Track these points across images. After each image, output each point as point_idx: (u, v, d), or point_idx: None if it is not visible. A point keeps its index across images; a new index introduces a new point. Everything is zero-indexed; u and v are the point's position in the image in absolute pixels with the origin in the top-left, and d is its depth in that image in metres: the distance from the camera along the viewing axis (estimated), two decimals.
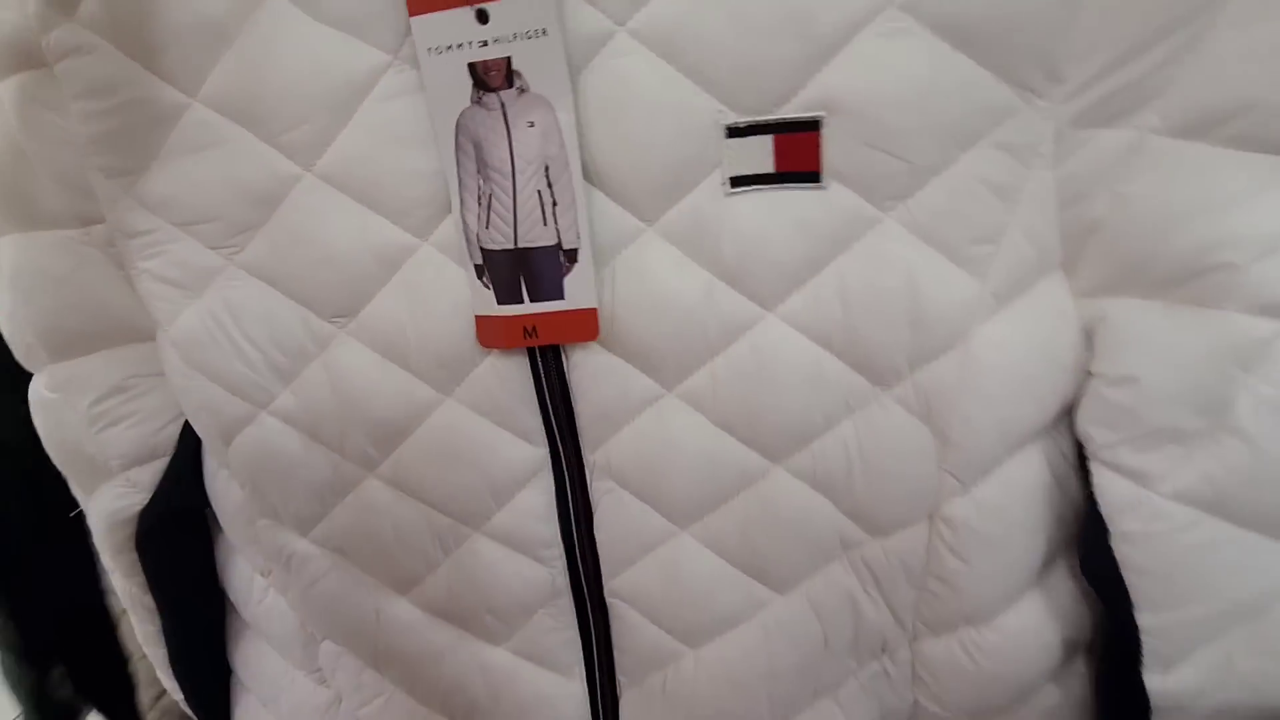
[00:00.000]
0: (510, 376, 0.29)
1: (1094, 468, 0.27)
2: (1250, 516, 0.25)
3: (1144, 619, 0.26)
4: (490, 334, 0.28)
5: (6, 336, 0.34)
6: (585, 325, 0.27)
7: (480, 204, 0.27)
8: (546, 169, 0.26)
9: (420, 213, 0.27)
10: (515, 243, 0.27)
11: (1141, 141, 0.24)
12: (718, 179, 0.26)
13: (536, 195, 0.26)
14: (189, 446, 0.35)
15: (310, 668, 0.37)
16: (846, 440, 0.28)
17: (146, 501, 0.35)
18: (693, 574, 0.31)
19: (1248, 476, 0.24)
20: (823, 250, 0.26)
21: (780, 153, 0.25)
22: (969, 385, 0.27)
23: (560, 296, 0.27)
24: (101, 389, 0.34)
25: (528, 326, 0.27)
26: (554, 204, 0.26)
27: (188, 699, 0.41)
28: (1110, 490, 0.26)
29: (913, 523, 0.29)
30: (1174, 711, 0.27)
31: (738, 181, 0.26)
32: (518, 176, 0.26)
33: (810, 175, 0.25)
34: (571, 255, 0.27)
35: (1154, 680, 0.27)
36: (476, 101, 0.25)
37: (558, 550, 0.32)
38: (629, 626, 0.32)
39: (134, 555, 0.36)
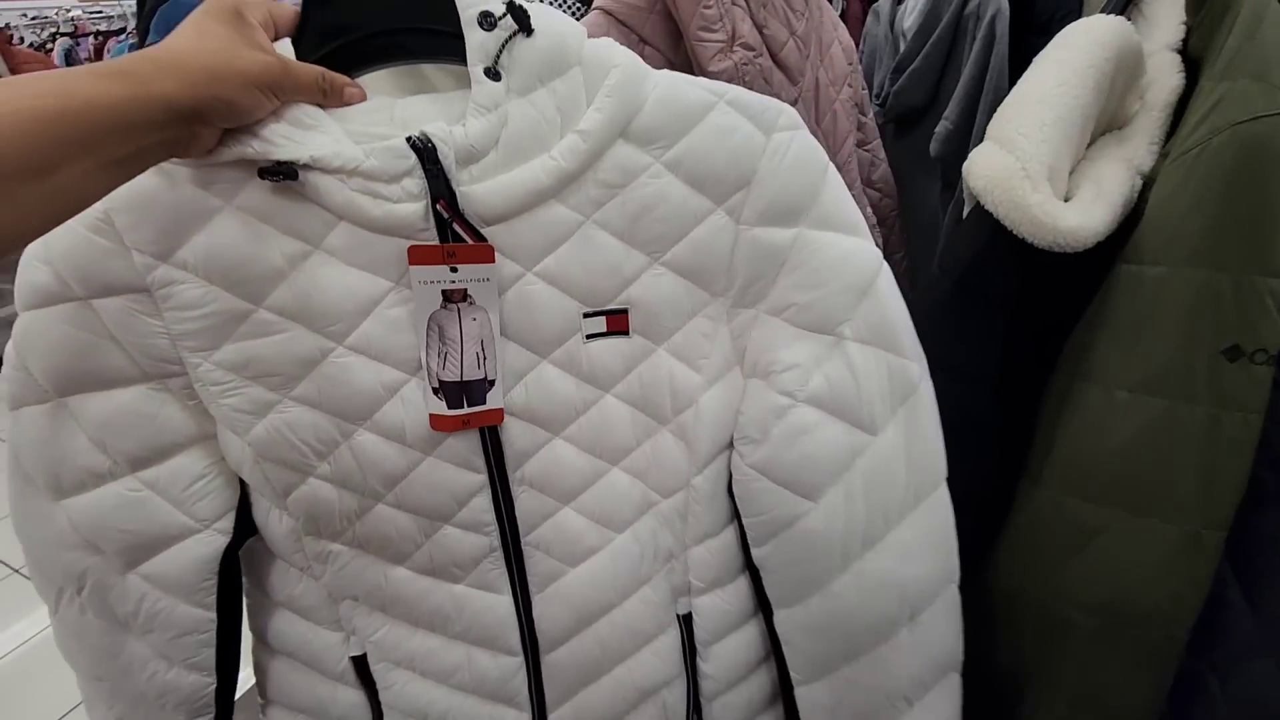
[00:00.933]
0: (470, 439, 0.52)
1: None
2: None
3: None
4: (441, 423, 0.50)
5: (91, 465, 0.49)
6: (497, 416, 0.51)
7: (439, 356, 0.49)
8: (482, 342, 0.49)
9: (409, 363, 0.49)
10: (461, 377, 0.50)
11: (757, 316, 0.53)
12: (580, 337, 0.51)
13: (474, 355, 0.49)
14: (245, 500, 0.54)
15: (330, 620, 0.59)
16: (647, 451, 0.56)
17: (230, 540, 0.53)
18: (572, 528, 0.57)
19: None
20: (631, 364, 0.53)
21: (609, 322, 0.52)
22: (699, 422, 0.55)
23: (484, 403, 0.51)
24: (190, 478, 0.51)
25: (465, 419, 0.51)
26: (484, 359, 0.50)
27: (222, 674, 0.59)
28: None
29: (679, 490, 0.58)
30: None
31: (590, 337, 0.51)
32: (465, 345, 0.49)
33: (624, 332, 0.52)
34: (491, 383, 0.50)
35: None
36: (443, 306, 0.48)
37: (493, 526, 0.56)
38: (536, 562, 0.58)
39: (214, 581, 0.54)
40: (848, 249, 0.52)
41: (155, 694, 0.56)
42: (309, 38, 0.46)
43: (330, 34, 0.46)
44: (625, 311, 0.51)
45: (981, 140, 0.53)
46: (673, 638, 0.61)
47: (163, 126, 0.37)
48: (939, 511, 0.56)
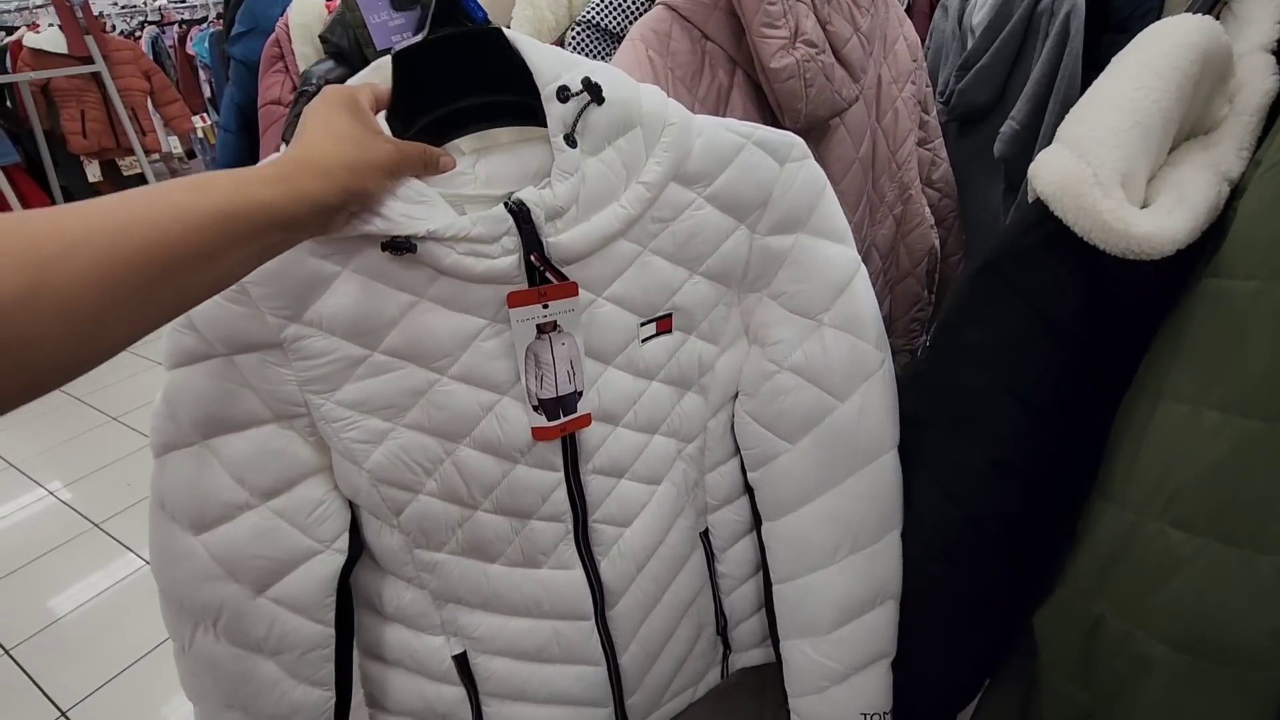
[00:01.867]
0: (551, 443, 0.61)
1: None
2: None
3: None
4: (543, 434, 0.60)
5: (230, 499, 0.55)
6: (585, 420, 0.61)
7: (536, 379, 0.58)
8: (571, 361, 0.59)
9: (502, 385, 0.58)
10: (556, 393, 0.59)
11: (760, 299, 0.66)
12: (637, 342, 0.62)
13: (565, 372, 0.59)
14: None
15: (434, 626, 0.66)
16: (679, 412, 0.67)
17: (347, 558, 0.61)
18: (628, 496, 0.67)
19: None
20: (671, 353, 0.64)
21: (659, 326, 0.63)
22: (715, 381, 0.68)
23: (576, 411, 0.60)
24: (312, 504, 0.58)
25: (562, 427, 0.60)
26: (574, 374, 0.59)
27: (340, 688, 0.66)
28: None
29: (699, 435, 0.70)
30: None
31: (644, 341, 0.62)
32: (557, 366, 0.58)
33: (668, 331, 0.63)
34: (580, 394, 0.60)
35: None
36: (537, 337, 0.57)
37: (569, 513, 0.65)
38: (600, 533, 0.67)
39: (334, 598, 0.61)
40: (833, 253, 0.65)
41: (284, 714, 0.63)
42: (403, 112, 0.54)
43: (420, 108, 0.55)
44: (670, 315, 0.63)
45: (1050, 143, 0.51)
46: (699, 553, 0.75)
47: (310, 220, 0.44)
48: (884, 474, 0.69)
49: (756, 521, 0.76)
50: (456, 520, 0.62)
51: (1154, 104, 0.47)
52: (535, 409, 0.59)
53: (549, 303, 0.55)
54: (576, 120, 0.53)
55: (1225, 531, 0.44)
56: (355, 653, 0.68)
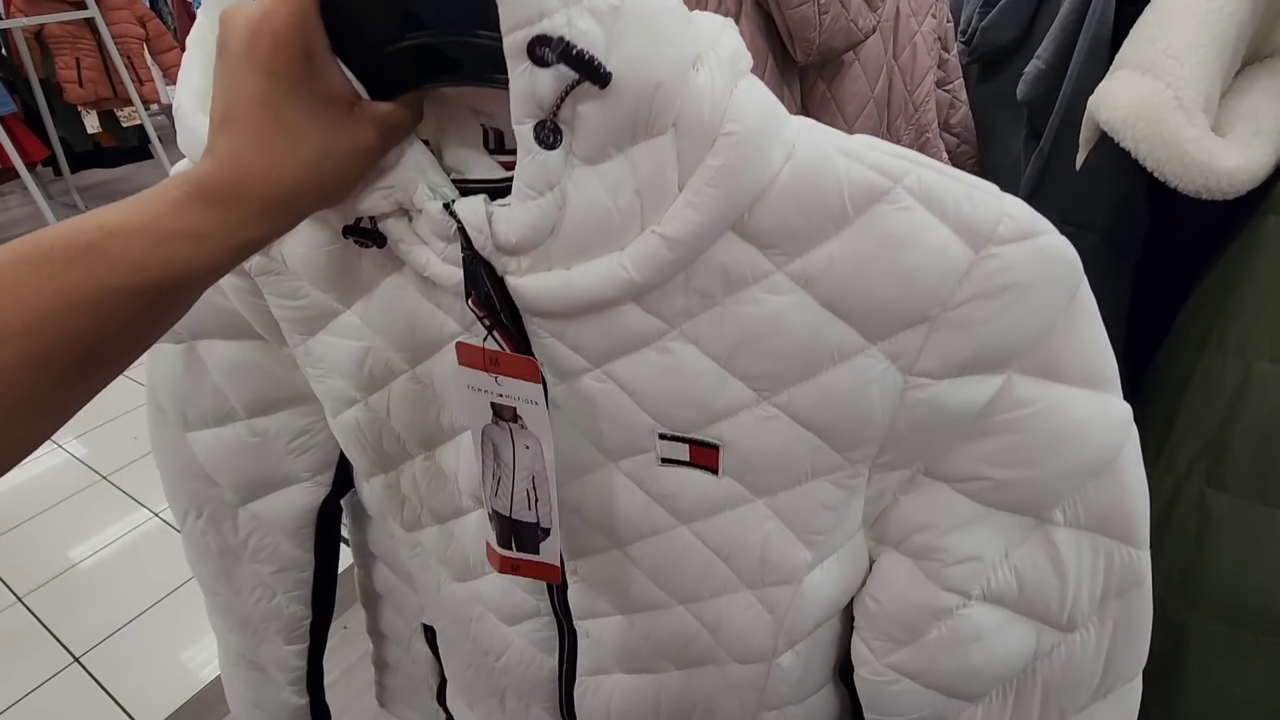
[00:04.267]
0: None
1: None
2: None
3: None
4: (492, 558, 0.43)
5: (214, 406, 0.53)
6: (552, 573, 0.42)
7: (494, 480, 0.40)
8: (533, 478, 0.39)
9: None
10: (510, 514, 0.41)
11: (914, 478, 0.39)
12: (654, 456, 0.40)
13: (525, 492, 0.40)
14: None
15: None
16: (721, 607, 0.44)
17: (329, 493, 0.58)
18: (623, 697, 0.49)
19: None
20: (715, 509, 0.40)
21: (693, 453, 0.39)
22: (797, 605, 0.42)
23: (537, 553, 0.41)
24: (294, 432, 0.55)
25: (515, 563, 0.42)
26: (535, 500, 0.40)
27: (318, 610, 0.65)
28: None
29: (759, 660, 0.44)
30: None
31: (665, 461, 0.40)
32: (516, 475, 0.39)
33: (712, 469, 0.39)
34: (546, 532, 0.41)
35: None
36: (494, 422, 0.39)
37: (551, 660, 0.50)
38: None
39: (313, 528, 0.59)
40: (1087, 415, 0.36)
41: (260, 617, 0.63)
42: (339, 44, 0.33)
43: (358, 42, 0.33)
44: (716, 448, 0.38)
45: (1076, 85, 0.45)
46: None
47: (254, 253, 0.34)
48: (1127, 703, 0.44)
49: None
50: (417, 517, 0.52)
51: (1229, 15, 0.41)
52: (490, 519, 0.41)
53: (500, 378, 0.36)
54: (560, 102, 0.30)
55: (1269, 492, 0.40)
56: (356, 569, 0.68)
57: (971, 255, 0.33)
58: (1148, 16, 0.44)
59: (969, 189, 0.33)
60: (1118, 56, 0.45)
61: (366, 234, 0.37)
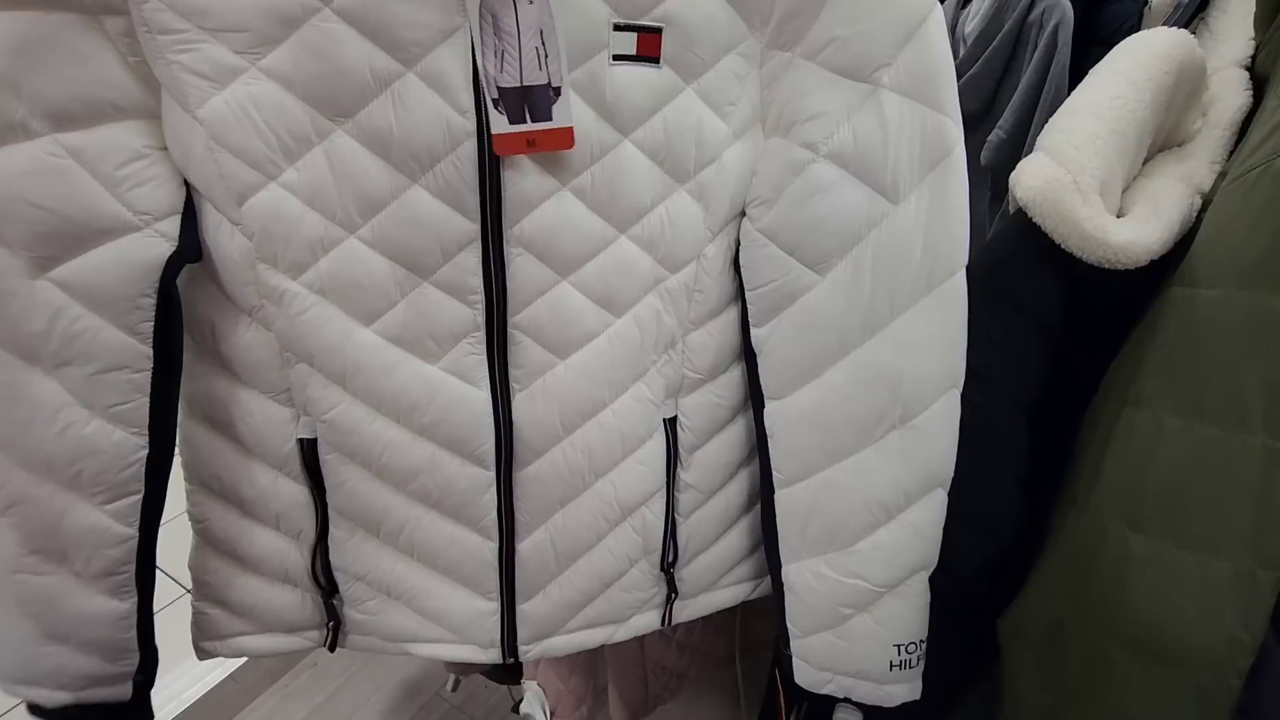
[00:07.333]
0: (464, 170, 0.44)
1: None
2: None
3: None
4: (504, 145, 0.43)
5: None
6: (566, 138, 0.44)
7: (496, 55, 0.41)
8: (541, 33, 0.41)
9: (412, 50, 0.41)
10: (520, 81, 0.42)
11: (791, 61, 0.48)
12: (606, 56, 0.43)
13: (534, 50, 0.42)
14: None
15: (279, 389, 0.51)
16: (660, 216, 0.49)
17: (175, 249, 0.45)
18: (569, 308, 0.50)
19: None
20: (658, 103, 0.46)
21: (640, 43, 0.44)
22: (720, 180, 0.50)
23: (550, 119, 0.43)
24: (125, 153, 0.42)
25: (530, 138, 0.43)
26: (545, 56, 0.42)
27: (156, 437, 0.48)
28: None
29: (690, 262, 0.51)
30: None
31: (617, 58, 0.44)
32: (522, 37, 0.41)
33: (654, 59, 0.44)
34: (557, 91, 0.43)
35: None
36: None
37: (480, 296, 0.48)
38: (522, 350, 0.51)
39: (154, 301, 0.45)
40: None
41: (68, 457, 0.45)
42: None
43: None
44: (660, 31, 0.44)
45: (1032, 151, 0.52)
46: (659, 443, 0.56)
47: None
48: (950, 304, 0.50)
49: (748, 405, 0.57)
50: (320, 239, 0.45)
51: (1130, 113, 0.48)
52: (495, 103, 0.42)
53: None
54: None
55: (1181, 536, 0.45)
56: (181, 414, 0.52)
57: None
58: (1064, 106, 0.51)
59: None
60: (1037, 140, 0.51)
61: None
